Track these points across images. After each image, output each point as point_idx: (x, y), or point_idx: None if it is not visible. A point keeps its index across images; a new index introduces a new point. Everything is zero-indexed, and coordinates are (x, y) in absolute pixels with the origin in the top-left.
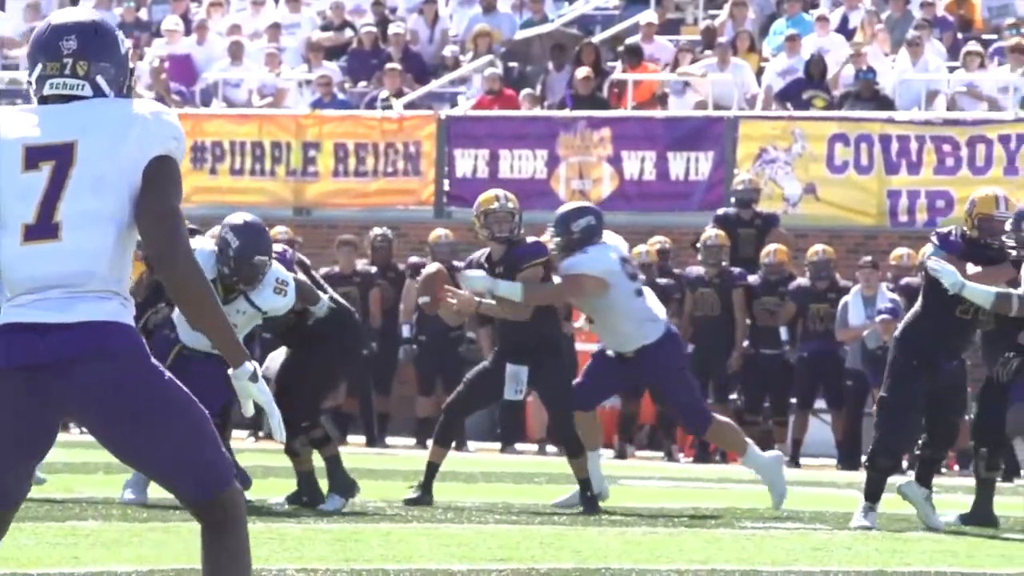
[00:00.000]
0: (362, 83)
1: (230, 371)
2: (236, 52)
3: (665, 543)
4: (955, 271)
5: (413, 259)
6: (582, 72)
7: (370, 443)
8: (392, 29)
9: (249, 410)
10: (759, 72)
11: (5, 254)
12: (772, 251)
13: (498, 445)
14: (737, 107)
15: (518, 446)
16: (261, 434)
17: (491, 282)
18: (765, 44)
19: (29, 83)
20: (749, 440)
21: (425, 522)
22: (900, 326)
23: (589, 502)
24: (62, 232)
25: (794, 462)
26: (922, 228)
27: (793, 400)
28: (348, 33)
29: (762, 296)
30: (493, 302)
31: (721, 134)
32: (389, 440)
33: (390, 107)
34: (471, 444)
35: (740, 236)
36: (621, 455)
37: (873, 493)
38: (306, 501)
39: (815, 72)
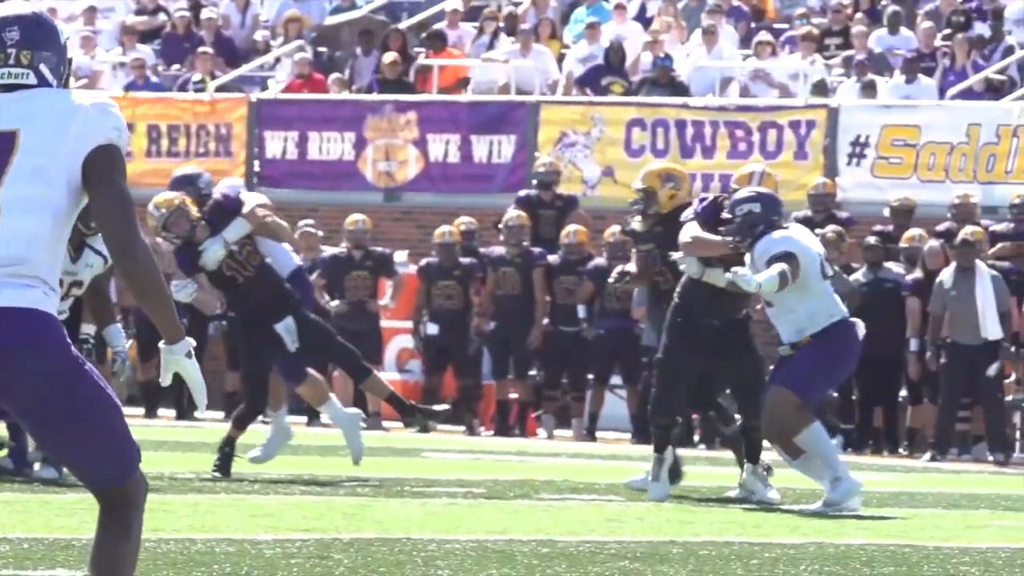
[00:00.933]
0: (175, 66)
1: (164, 345)
2: None
3: (465, 514)
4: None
5: None
6: (389, 57)
7: (179, 416)
8: (205, 14)
9: (167, 380)
10: (560, 58)
11: None
12: (572, 232)
13: (304, 419)
14: (539, 92)
15: (323, 419)
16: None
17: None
18: (566, 31)
19: None
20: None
21: (232, 493)
22: (676, 290)
23: None
24: (0, 217)
25: (591, 436)
26: None
27: (590, 376)
28: (162, 17)
29: (561, 275)
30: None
31: (523, 118)
32: (197, 413)
33: (202, 90)
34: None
35: (541, 217)
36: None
37: (660, 445)
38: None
39: (614, 59)
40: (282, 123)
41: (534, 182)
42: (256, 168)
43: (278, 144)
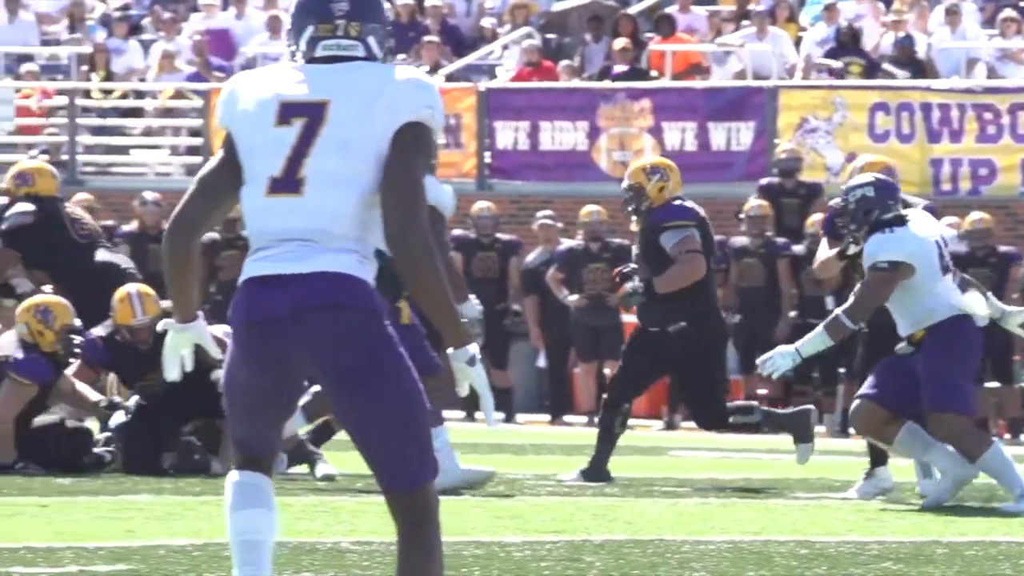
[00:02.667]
0: (400, 56)
1: (449, 351)
2: (275, 26)
3: (718, 514)
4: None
5: (456, 232)
6: (619, 43)
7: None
8: (429, 1)
9: (464, 391)
10: (797, 42)
11: (249, 205)
12: (817, 221)
13: (547, 417)
14: (776, 77)
15: (567, 418)
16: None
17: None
18: (803, 13)
19: (292, 47)
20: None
21: (478, 495)
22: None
23: None
24: (305, 188)
25: (843, 432)
26: (966, 196)
27: (841, 370)
28: (385, 6)
29: (808, 266)
30: None
31: (762, 104)
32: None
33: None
34: (520, 416)
35: (784, 206)
36: (670, 426)
37: None
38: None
39: (847, 40)
40: (512, 113)
41: (775, 170)
42: (487, 159)
43: (509, 134)
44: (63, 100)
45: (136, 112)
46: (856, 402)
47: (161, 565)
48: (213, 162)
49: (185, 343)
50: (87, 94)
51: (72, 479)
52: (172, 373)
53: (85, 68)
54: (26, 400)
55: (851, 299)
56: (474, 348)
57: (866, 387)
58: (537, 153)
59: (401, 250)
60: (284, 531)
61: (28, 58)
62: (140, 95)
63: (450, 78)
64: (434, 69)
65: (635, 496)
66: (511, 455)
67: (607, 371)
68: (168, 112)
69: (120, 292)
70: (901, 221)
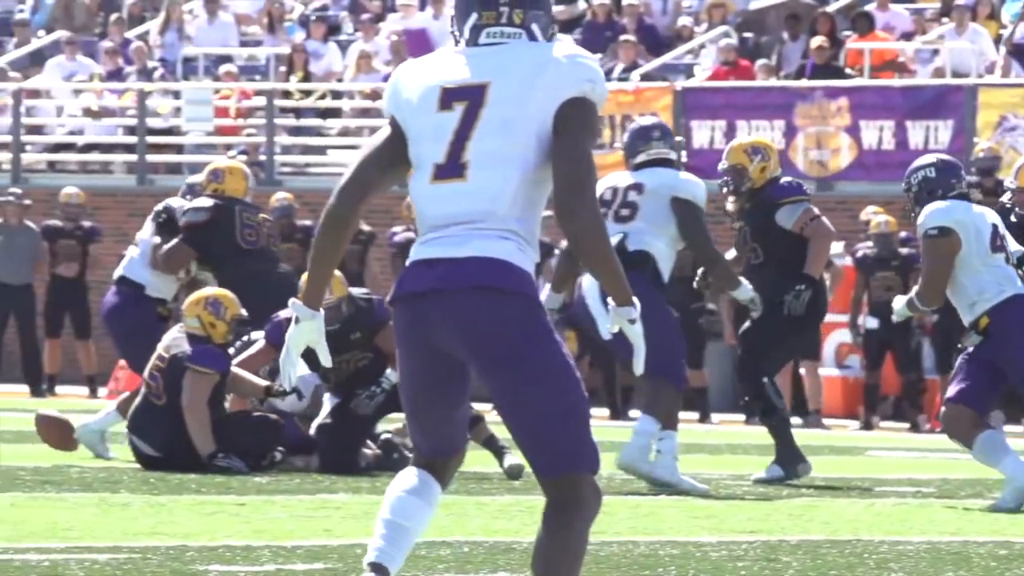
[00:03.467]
0: (597, 55)
1: (613, 306)
2: None
3: (916, 514)
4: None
5: None
6: (817, 41)
7: (614, 416)
8: (626, 1)
9: (639, 367)
10: (997, 39)
11: (416, 191)
12: None
13: (742, 417)
14: (976, 75)
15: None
16: None
17: None
18: (1003, 11)
19: (455, 34)
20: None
21: (674, 494)
22: None
23: None
24: (468, 172)
25: None
26: None
27: None
28: (582, 5)
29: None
30: None
31: (960, 102)
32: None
33: (626, 79)
34: (715, 416)
35: (984, 205)
36: (866, 426)
37: None
38: None
39: None
40: (708, 112)
41: (973, 169)
42: (684, 158)
43: (705, 133)
44: (261, 101)
45: (333, 112)
46: (943, 408)
47: (358, 564)
48: (379, 138)
49: (309, 337)
50: (285, 95)
51: (270, 478)
52: (292, 377)
53: (283, 69)
54: (211, 390)
55: (920, 280)
56: (637, 308)
57: (951, 389)
58: None
59: (573, 223)
60: (481, 530)
61: (227, 59)
62: (337, 95)
63: (646, 77)
64: (630, 68)
65: (832, 496)
66: (707, 455)
67: (802, 371)
68: (365, 112)
69: None
70: (959, 196)
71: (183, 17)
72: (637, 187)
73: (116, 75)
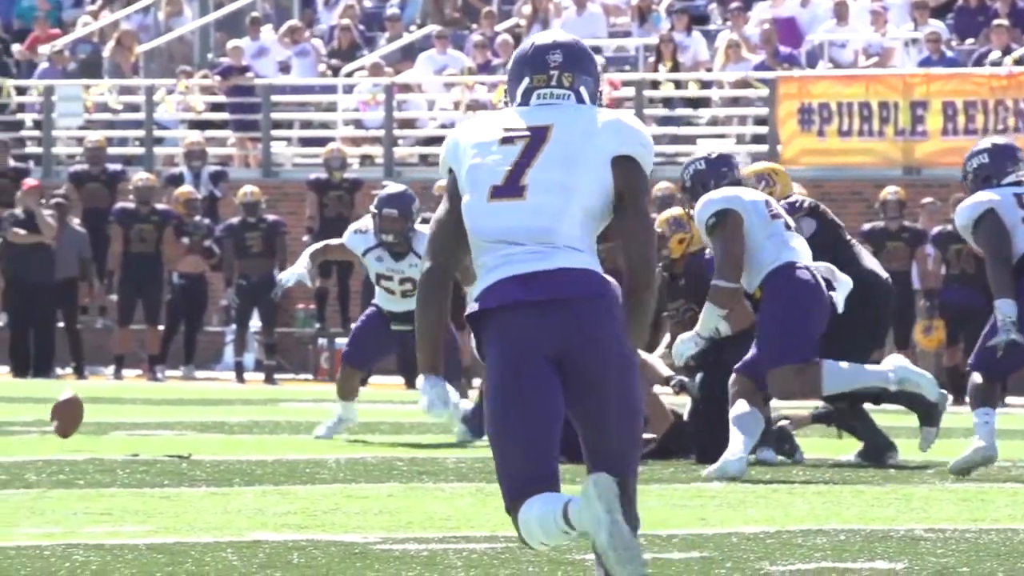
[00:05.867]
0: (969, 40)
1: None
2: (842, 12)
3: None
4: None
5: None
6: None
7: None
8: None
9: None
10: None
11: (471, 209)
12: None
13: None
14: None
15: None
16: None
17: None
18: None
19: (505, 102)
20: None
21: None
22: None
23: None
24: (526, 193)
25: None
26: None
27: None
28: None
29: None
30: None
31: None
32: None
33: (999, 64)
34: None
35: None
36: None
37: None
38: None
39: None
40: None
41: None
42: None
43: None
44: (630, 92)
45: (703, 102)
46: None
47: (734, 552)
48: (443, 210)
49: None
50: (654, 85)
51: (643, 467)
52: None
53: (652, 59)
54: None
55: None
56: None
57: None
58: None
59: (646, 285)
60: (856, 519)
61: (596, 51)
62: (706, 85)
63: (1020, 62)
64: (1005, 52)
65: None
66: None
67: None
68: (734, 101)
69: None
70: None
71: (551, 8)
72: None
73: (485, 68)
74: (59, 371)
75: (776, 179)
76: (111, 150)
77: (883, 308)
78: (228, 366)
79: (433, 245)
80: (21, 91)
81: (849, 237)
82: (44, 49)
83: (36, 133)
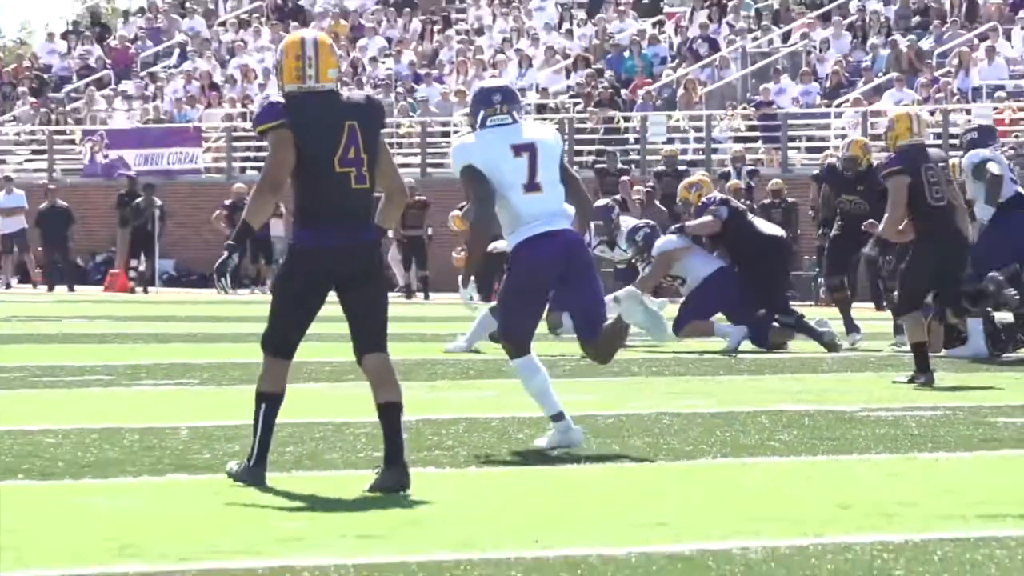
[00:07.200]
0: None
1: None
2: None
3: None
4: None
5: None
6: None
7: None
8: None
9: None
10: None
11: (513, 200)
12: None
13: None
14: None
15: None
16: None
17: None
18: None
19: (472, 123)
20: None
21: None
22: None
23: None
24: (543, 188)
25: None
26: None
27: None
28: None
29: None
30: None
31: None
32: None
33: None
34: None
35: None
36: None
37: None
38: None
39: None
40: None
41: None
42: None
43: None
44: None
45: None
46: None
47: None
48: (478, 182)
49: None
50: None
51: None
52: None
53: None
54: None
55: None
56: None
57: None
58: None
59: (587, 218)
60: None
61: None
62: None
63: None
64: None
65: None
66: None
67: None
68: None
69: None
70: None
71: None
72: None
73: None
74: None
75: (703, 186)
76: (681, 156)
77: (778, 263)
78: None
79: (481, 212)
80: (627, 119)
81: (750, 217)
82: (641, 91)
83: (635, 146)
